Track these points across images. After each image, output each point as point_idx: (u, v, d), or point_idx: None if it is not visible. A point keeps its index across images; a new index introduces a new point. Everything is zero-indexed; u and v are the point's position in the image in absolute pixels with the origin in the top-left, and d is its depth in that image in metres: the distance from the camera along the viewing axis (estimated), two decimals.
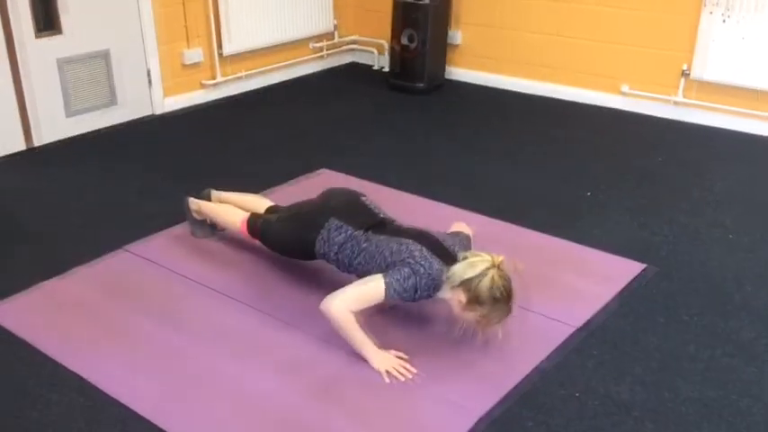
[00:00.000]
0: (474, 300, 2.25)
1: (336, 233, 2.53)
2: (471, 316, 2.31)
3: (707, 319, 2.64)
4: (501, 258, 2.29)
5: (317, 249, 2.58)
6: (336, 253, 2.53)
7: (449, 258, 2.36)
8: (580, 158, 4.05)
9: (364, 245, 2.47)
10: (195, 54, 4.77)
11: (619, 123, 4.61)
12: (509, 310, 2.31)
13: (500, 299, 2.25)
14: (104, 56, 4.34)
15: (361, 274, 2.46)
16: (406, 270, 2.32)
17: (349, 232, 2.51)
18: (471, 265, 2.27)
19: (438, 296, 2.37)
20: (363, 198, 2.68)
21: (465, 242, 2.57)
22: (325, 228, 2.55)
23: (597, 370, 2.37)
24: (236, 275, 2.88)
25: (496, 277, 2.24)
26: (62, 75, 4.16)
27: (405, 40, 5.08)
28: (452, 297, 2.31)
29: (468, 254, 2.34)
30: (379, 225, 2.55)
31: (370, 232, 2.50)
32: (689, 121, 4.59)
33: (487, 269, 2.25)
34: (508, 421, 2.16)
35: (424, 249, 2.36)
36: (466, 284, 2.26)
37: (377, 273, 2.37)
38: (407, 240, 2.41)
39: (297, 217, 2.72)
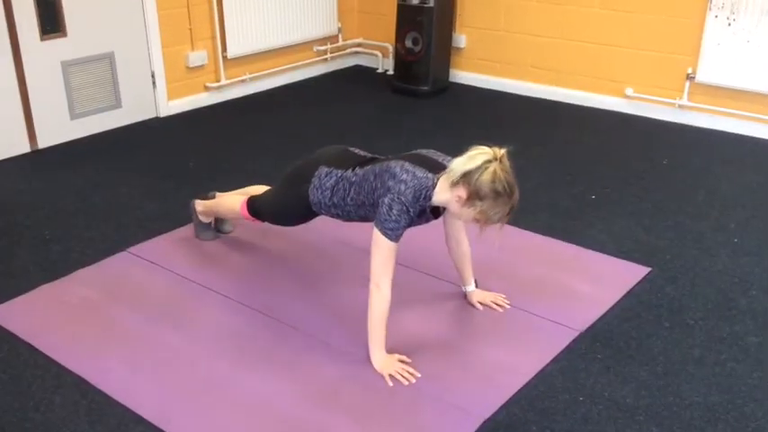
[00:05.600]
0: (474, 194, 2.16)
1: (327, 179, 2.51)
2: (471, 212, 2.22)
3: (712, 324, 2.62)
4: (503, 152, 2.20)
5: (312, 199, 2.55)
6: (331, 197, 2.50)
7: (436, 167, 2.29)
8: (584, 162, 4.04)
9: (353, 179, 2.45)
10: (199, 57, 4.78)
11: (623, 126, 4.60)
12: (512, 207, 2.21)
13: (502, 193, 2.16)
14: (109, 58, 4.35)
15: (358, 211, 2.44)
16: (386, 201, 2.26)
17: (339, 174, 2.49)
18: (471, 158, 2.19)
19: (435, 201, 2.28)
20: (352, 148, 2.65)
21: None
22: (315, 176, 2.53)
23: (602, 374, 2.36)
24: (240, 278, 2.88)
25: (498, 170, 2.15)
26: (66, 77, 4.17)
27: (409, 44, 5.08)
28: (452, 196, 2.22)
29: (468, 150, 2.24)
30: (367, 162, 2.51)
31: (357, 168, 2.47)
32: (694, 124, 4.57)
33: (489, 162, 2.16)
34: (512, 425, 2.15)
35: (405, 164, 2.31)
36: (466, 178, 2.16)
37: (368, 202, 2.34)
38: (389, 161, 2.37)
39: (288, 176, 2.70)
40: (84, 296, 2.74)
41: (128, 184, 3.72)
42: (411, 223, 2.31)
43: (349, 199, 2.46)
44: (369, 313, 2.33)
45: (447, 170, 2.24)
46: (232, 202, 2.92)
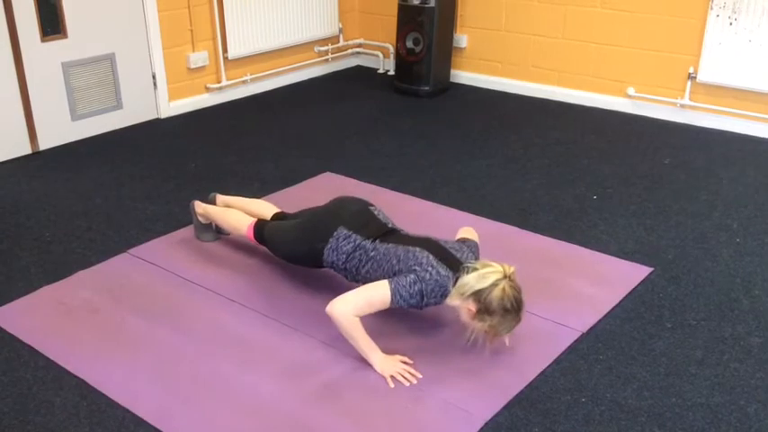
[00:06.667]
0: (484, 310, 2.25)
1: (345, 242, 2.52)
2: (480, 325, 2.30)
3: (714, 324, 2.62)
4: (512, 269, 2.29)
5: (326, 258, 2.58)
6: (345, 262, 2.53)
7: (456, 265, 2.36)
8: (586, 161, 4.04)
9: (372, 253, 2.47)
10: (200, 57, 4.78)
11: (625, 126, 4.59)
12: (518, 321, 2.31)
13: (510, 310, 2.25)
14: (109, 59, 4.35)
15: (367, 282, 2.45)
16: (412, 276, 2.31)
17: (357, 241, 2.51)
18: (483, 277, 2.26)
19: (447, 303, 2.36)
20: (372, 207, 2.67)
21: (474, 250, 2.55)
22: (333, 237, 2.54)
23: (604, 375, 2.36)
24: (240, 279, 2.87)
25: (507, 288, 2.24)
26: (67, 78, 4.17)
27: (410, 44, 5.08)
28: (462, 305, 2.30)
29: (479, 264, 2.32)
30: (388, 234, 2.55)
31: (377, 241, 2.50)
32: (695, 124, 4.57)
33: (499, 280, 2.25)
34: (514, 427, 2.14)
35: (430, 256, 2.36)
36: (477, 295, 2.25)
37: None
38: (414, 248, 2.40)
39: (305, 225, 2.71)
40: (84, 298, 2.74)
41: (128, 185, 3.72)
42: (416, 306, 2.35)
43: (363, 271, 2.49)
44: (343, 333, 2.34)
45: (459, 283, 2.29)
46: (237, 221, 2.92)
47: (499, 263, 2.31)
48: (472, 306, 2.26)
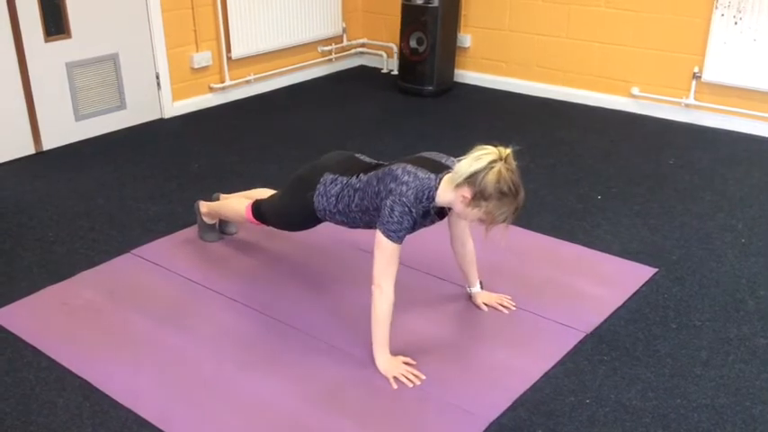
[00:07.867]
0: (479, 195, 2.14)
1: (332, 185, 2.50)
2: (476, 213, 2.19)
3: (719, 325, 2.60)
4: (509, 151, 2.17)
5: (317, 206, 2.54)
6: (335, 204, 2.49)
7: (439, 168, 2.29)
8: (590, 161, 4.02)
9: (357, 185, 2.43)
10: (204, 58, 4.77)
11: (629, 126, 4.58)
12: (517, 207, 2.19)
13: (507, 193, 2.14)
14: (113, 60, 4.35)
15: (363, 217, 2.43)
16: (388, 203, 2.25)
17: (344, 182, 2.48)
18: (476, 159, 2.15)
19: (438, 201, 2.26)
20: (358, 155, 2.63)
21: None
22: (320, 183, 2.52)
23: (608, 376, 2.35)
24: (244, 280, 2.87)
25: (503, 170, 2.13)
26: (71, 79, 4.17)
27: (413, 44, 5.07)
28: (456, 196, 2.20)
29: (472, 151, 2.21)
30: (372, 168, 2.49)
31: (362, 174, 2.46)
32: (700, 123, 4.55)
33: (494, 162, 2.14)
34: (518, 428, 2.13)
35: (408, 166, 2.30)
36: (471, 179, 2.14)
37: (372, 207, 2.33)
38: (391, 164, 2.36)
39: (293, 184, 2.69)
40: (87, 298, 2.74)
41: (132, 185, 3.72)
42: (415, 224, 2.29)
43: (354, 206, 2.45)
44: (372, 315, 2.32)
45: (452, 171, 2.23)
46: (237, 205, 2.91)
47: (494, 145, 2.20)
48: (467, 192, 2.16)
